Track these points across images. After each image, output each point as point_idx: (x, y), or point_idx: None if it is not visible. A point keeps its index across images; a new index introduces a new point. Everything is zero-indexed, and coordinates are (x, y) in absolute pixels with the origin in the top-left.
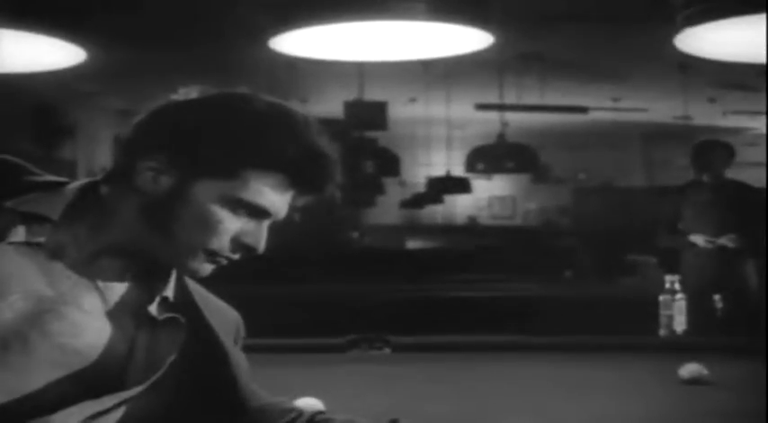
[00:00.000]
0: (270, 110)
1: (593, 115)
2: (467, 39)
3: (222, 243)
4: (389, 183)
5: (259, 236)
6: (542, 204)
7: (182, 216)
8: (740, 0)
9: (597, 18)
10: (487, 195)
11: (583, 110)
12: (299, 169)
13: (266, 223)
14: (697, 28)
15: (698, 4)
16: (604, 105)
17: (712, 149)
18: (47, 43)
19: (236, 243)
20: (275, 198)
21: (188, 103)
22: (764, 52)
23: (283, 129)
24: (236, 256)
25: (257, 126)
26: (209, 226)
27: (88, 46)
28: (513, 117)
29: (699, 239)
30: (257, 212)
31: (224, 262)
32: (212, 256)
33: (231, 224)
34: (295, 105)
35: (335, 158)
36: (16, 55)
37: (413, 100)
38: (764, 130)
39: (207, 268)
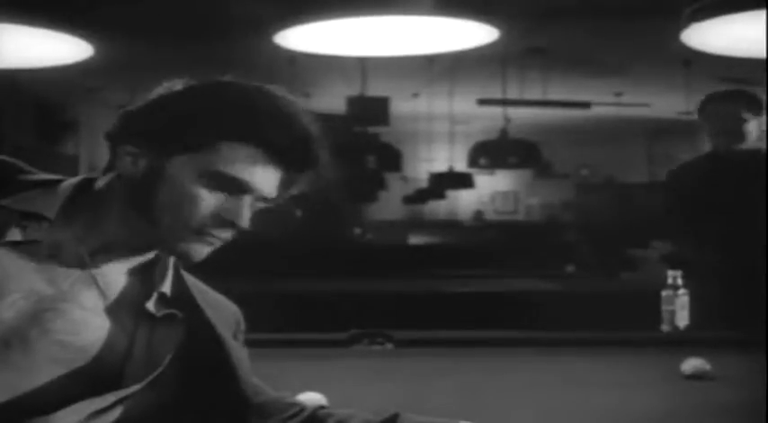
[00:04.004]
0: (247, 87)
1: (596, 110)
2: (471, 34)
3: (203, 219)
4: (391, 178)
5: (239, 210)
6: (545, 199)
7: (160, 195)
8: None
9: (600, 13)
10: (490, 191)
11: (585, 105)
12: (275, 142)
13: (248, 199)
14: (703, 23)
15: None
16: (607, 100)
17: None
18: (52, 39)
19: (218, 219)
20: (254, 172)
21: (170, 92)
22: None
23: (260, 103)
24: (226, 235)
25: (233, 101)
26: (187, 202)
27: (92, 41)
28: (516, 112)
29: None
30: (235, 186)
31: (215, 242)
32: (199, 235)
33: (209, 199)
34: (298, 100)
35: (317, 135)
36: (21, 50)
37: (415, 95)
38: (765, 126)
39: (199, 250)
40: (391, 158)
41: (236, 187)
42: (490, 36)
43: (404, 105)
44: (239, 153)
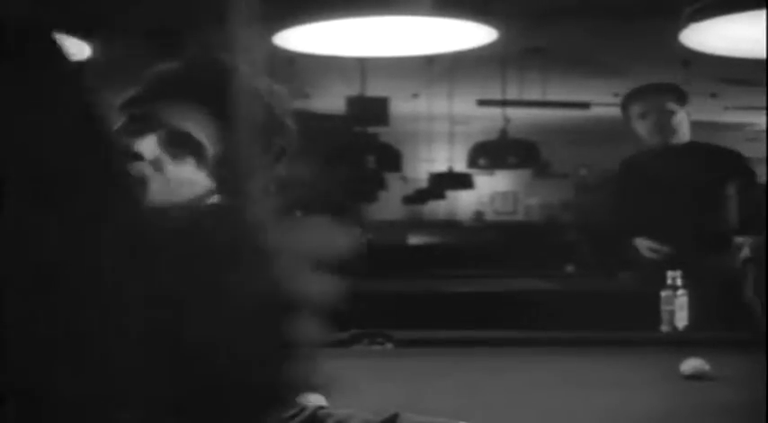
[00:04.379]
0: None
1: (595, 111)
2: (470, 34)
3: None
4: (391, 178)
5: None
6: (544, 200)
7: None
8: None
9: (599, 13)
10: (489, 191)
11: (585, 106)
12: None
13: (152, 136)
14: (702, 23)
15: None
16: (606, 101)
17: None
18: None
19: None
20: (168, 109)
21: None
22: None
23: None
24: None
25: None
26: None
27: (90, 41)
28: (516, 113)
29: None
30: (144, 119)
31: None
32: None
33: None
34: (297, 101)
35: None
36: None
37: (415, 96)
38: (764, 126)
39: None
40: (391, 159)
41: (145, 121)
42: (489, 36)
43: (403, 106)
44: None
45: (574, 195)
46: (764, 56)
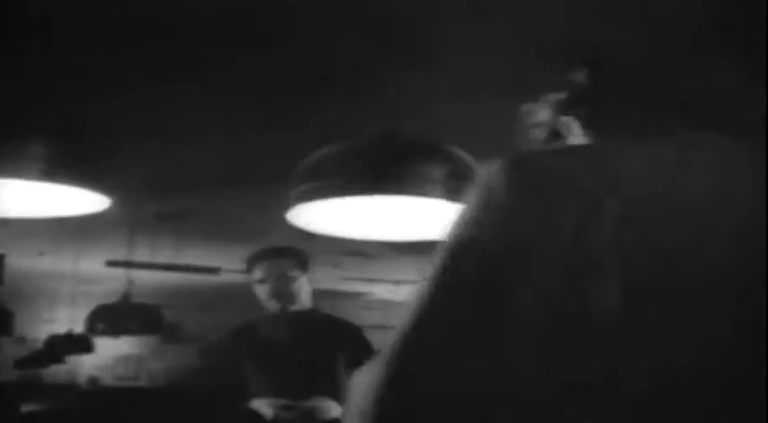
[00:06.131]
0: None
1: (228, 276)
2: (84, 200)
3: None
4: (5, 341)
5: None
6: (170, 364)
7: None
8: (346, 183)
9: (242, 182)
10: (112, 354)
11: (215, 270)
12: None
13: None
14: (306, 205)
15: (309, 182)
16: (237, 267)
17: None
18: None
19: None
20: None
21: None
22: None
23: None
24: None
25: None
26: None
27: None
28: (144, 275)
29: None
30: None
31: None
32: None
33: None
34: None
35: None
36: None
37: (41, 254)
38: (381, 296)
39: None
40: (2, 319)
41: None
42: (101, 204)
43: (29, 263)
44: None
45: (200, 360)
46: (356, 236)
